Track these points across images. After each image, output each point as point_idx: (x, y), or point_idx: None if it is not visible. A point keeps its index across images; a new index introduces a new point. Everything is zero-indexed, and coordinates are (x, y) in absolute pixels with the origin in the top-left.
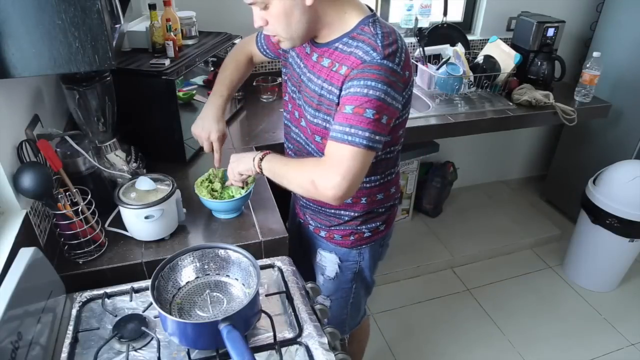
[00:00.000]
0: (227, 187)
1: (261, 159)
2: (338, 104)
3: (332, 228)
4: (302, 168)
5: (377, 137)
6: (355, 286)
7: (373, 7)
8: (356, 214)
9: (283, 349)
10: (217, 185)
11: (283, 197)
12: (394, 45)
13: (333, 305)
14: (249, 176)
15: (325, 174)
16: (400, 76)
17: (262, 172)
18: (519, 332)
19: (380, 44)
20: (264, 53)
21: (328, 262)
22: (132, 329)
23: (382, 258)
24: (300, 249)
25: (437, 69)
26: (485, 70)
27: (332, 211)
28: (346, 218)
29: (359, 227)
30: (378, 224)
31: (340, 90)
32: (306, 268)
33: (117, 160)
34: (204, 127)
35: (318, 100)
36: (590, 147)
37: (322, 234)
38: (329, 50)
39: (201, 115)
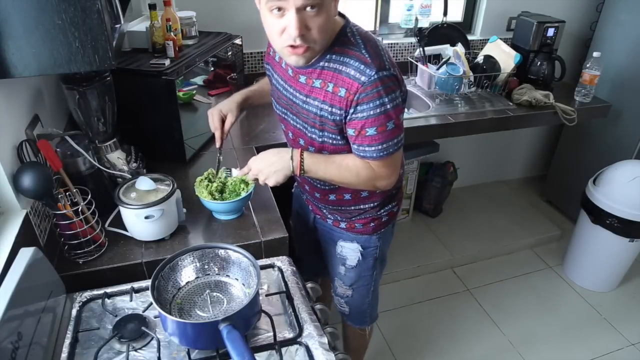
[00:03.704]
0: (227, 187)
1: (302, 171)
2: (344, 123)
3: (353, 219)
4: (359, 179)
5: (402, 135)
6: (375, 272)
7: (373, 8)
8: (376, 203)
9: (283, 349)
10: (217, 187)
11: (283, 197)
12: (378, 51)
13: (355, 295)
14: None
15: (383, 180)
16: (394, 75)
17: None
18: (519, 332)
19: (367, 55)
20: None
21: (349, 251)
22: (132, 329)
23: (392, 237)
24: (313, 243)
25: (437, 69)
26: (485, 70)
27: (353, 207)
28: (367, 207)
29: (378, 213)
30: (392, 205)
31: (346, 112)
32: (315, 262)
33: (117, 160)
34: (217, 105)
35: (320, 122)
36: (590, 147)
37: (343, 225)
38: (316, 71)
39: None
